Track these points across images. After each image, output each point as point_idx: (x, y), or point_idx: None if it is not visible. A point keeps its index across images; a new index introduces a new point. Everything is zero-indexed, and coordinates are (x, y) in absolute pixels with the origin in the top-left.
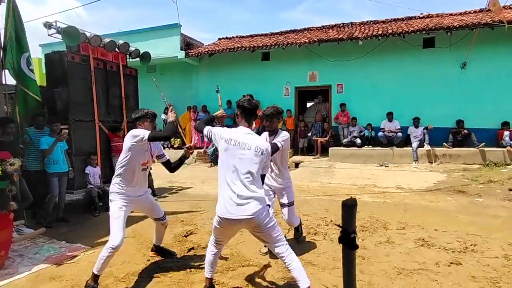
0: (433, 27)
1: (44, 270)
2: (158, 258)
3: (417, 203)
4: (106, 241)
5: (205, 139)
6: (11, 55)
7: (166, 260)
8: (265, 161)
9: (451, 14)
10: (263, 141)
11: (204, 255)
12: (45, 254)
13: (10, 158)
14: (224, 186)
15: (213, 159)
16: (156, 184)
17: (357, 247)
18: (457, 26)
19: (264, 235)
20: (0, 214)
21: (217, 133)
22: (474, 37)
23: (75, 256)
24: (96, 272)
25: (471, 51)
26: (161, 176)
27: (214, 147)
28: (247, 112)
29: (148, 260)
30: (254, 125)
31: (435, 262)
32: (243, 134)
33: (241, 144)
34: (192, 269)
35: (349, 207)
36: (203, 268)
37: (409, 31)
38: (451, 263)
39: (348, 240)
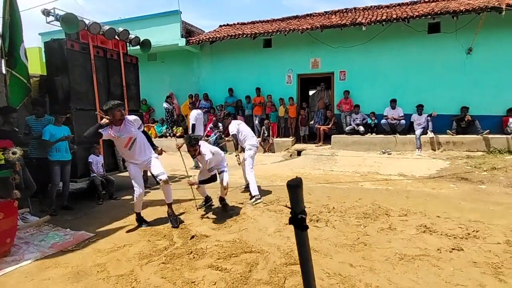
0: (439, 12)
1: (50, 257)
2: (161, 245)
3: (420, 190)
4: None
5: (211, 130)
6: (8, 42)
7: (169, 247)
8: None
9: None
10: None
11: (205, 242)
12: (50, 241)
13: (12, 147)
14: None
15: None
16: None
17: (306, 227)
18: (464, 10)
19: None
20: (5, 202)
21: None
22: (480, 22)
23: (80, 243)
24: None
25: (477, 36)
26: (163, 165)
27: (216, 136)
28: None
29: (153, 247)
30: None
31: (436, 248)
32: None
33: None
34: (195, 256)
35: (293, 187)
36: (205, 254)
37: (414, 16)
38: (453, 249)
39: (297, 221)
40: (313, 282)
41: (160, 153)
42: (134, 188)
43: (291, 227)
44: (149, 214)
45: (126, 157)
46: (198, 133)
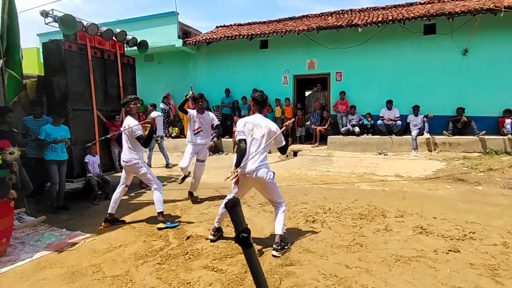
0: (435, 13)
1: (45, 257)
2: (157, 245)
3: (416, 191)
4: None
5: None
6: (5, 43)
7: (165, 247)
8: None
9: None
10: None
11: (201, 243)
12: (46, 241)
13: (9, 147)
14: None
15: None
16: (155, 173)
17: (250, 245)
18: (459, 11)
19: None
20: (1, 202)
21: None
22: (476, 23)
23: (76, 243)
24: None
25: (472, 38)
26: (159, 165)
27: (212, 136)
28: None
29: (148, 248)
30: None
31: (433, 250)
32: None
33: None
34: (191, 257)
35: (231, 208)
36: (201, 255)
37: (410, 17)
38: (450, 250)
39: (240, 240)
40: None
41: None
42: (155, 184)
43: (287, 229)
44: (145, 214)
45: (137, 151)
46: (158, 133)
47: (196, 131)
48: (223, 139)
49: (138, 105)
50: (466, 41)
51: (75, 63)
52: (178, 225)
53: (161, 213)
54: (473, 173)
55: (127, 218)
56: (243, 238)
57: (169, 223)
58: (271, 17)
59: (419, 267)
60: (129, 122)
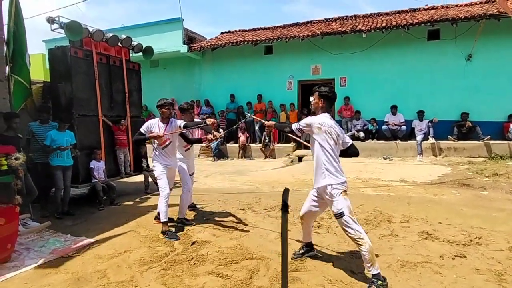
0: (438, 19)
1: (50, 263)
2: (162, 251)
3: (421, 196)
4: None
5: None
6: (12, 49)
7: (170, 253)
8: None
9: (456, 5)
10: None
11: (206, 248)
12: (51, 247)
13: (15, 153)
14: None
15: (216, 153)
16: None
17: (288, 212)
18: (463, 17)
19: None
20: (6, 208)
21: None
22: (480, 29)
23: (81, 249)
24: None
25: (476, 43)
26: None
27: (217, 142)
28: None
29: (153, 253)
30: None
31: (439, 255)
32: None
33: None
34: (196, 262)
35: (286, 190)
36: (206, 260)
37: (414, 23)
38: (455, 256)
39: (286, 207)
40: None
41: None
42: (161, 192)
43: (293, 233)
44: (150, 219)
45: (156, 153)
46: None
47: (187, 147)
48: (227, 145)
49: (171, 111)
50: (470, 47)
51: (81, 69)
52: (176, 239)
53: (164, 222)
54: (478, 178)
55: (131, 224)
56: (286, 205)
57: (167, 237)
58: (276, 23)
59: (425, 273)
60: (149, 124)
